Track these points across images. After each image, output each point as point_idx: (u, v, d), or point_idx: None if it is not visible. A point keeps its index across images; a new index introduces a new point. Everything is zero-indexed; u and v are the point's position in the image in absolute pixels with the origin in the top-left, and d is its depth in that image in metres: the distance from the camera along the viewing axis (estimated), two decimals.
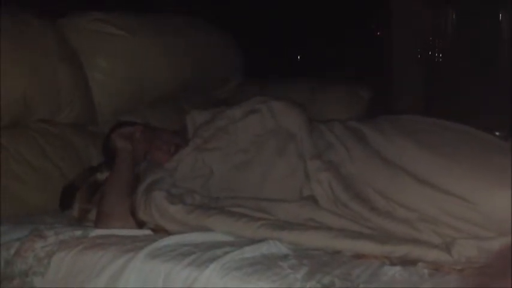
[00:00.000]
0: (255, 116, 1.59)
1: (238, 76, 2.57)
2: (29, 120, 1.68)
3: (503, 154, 1.26)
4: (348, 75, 3.09)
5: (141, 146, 1.62)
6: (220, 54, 2.42)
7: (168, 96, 2.16)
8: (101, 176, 1.57)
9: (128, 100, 1.99)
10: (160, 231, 1.29)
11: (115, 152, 1.57)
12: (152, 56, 2.04)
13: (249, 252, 1.09)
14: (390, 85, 3.47)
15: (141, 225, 1.33)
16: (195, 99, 2.30)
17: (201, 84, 2.33)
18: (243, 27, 2.97)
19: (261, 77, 2.62)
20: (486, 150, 1.30)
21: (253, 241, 1.15)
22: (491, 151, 1.29)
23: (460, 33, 3.39)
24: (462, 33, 3.38)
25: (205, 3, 2.99)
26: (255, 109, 1.60)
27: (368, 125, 1.50)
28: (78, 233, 1.24)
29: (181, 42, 2.19)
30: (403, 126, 1.44)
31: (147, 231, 1.30)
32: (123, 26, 1.97)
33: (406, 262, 1.09)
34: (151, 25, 2.10)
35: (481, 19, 3.31)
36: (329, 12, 3.42)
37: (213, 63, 2.35)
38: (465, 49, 3.34)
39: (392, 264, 1.09)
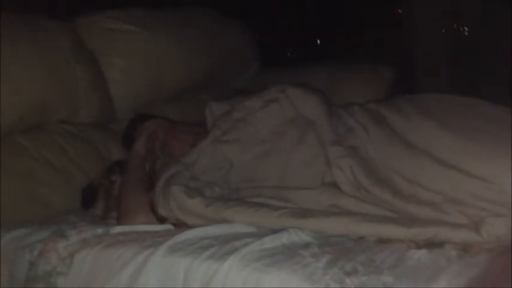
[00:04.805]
0: (273, 105, 1.56)
1: (256, 64, 2.54)
2: (49, 122, 1.70)
3: None
4: (369, 55, 3.03)
5: (160, 138, 1.62)
6: (236, 44, 2.40)
7: (187, 89, 2.15)
8: (114, 176, 1.57)
9: (146, 96, 1.99)
10: (181, 226, 1.28)
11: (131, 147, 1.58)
12: (169, 50, 2.03)
13: (269, 242, 1.07)
14: (413, 64, 3.39)
15: (162, 220, 1.33)
16: (214, 90, 2.28)
17: (218, 75, 2.32)
18: (258, 14, 2.94)
19: (280, 64, 2.59)
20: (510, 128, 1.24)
21: (273, 231, 1.13)
22: None
23: (486, 8, 3.28)
24: (488, 8, 3.26)
25: None
26: (273, 98, 1.58)
27: (387, 106, 1.46)
28: (100, 230, 1.24)
29: (198, 34, 2.17)
30: (424, 105, 1.39)
31: (168, 226, 1.29)
32: (138, 22, 1.97)
33: (433, 245, 1.05)
34: (166, 19, 2.09)
35: None
36: None
37: (230, 53, 2.33)
38: (492, 25, 3.23)
39: (418, 247, 1.05)
